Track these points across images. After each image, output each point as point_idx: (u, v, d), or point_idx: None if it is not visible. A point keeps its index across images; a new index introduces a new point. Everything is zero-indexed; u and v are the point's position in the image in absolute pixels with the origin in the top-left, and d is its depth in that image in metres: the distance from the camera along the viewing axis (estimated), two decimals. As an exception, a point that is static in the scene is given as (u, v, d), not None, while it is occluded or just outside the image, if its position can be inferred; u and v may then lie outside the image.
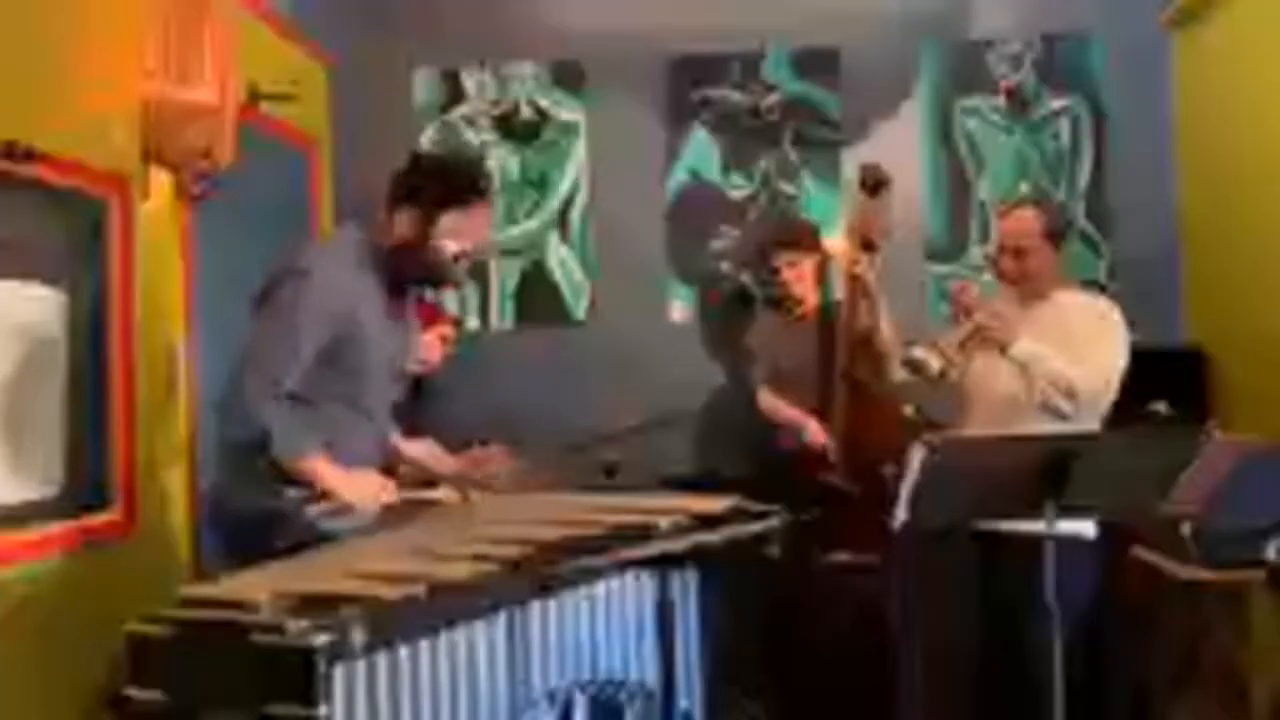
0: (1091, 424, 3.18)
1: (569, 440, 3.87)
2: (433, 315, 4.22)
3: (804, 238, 4.28)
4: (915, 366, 3.03)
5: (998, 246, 3.41)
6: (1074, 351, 3.16)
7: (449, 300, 4.87)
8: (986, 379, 3.30)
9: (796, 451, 4.05)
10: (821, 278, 4.31)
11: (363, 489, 2.72)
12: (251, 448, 2.63)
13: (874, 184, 4.04)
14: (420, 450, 3.14)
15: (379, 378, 2.86)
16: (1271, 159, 3.91)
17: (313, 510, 2.67)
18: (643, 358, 4.79)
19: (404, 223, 2.82)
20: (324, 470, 2.68)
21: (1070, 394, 3.09)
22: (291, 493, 2.68)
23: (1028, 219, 3.31)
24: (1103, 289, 4.53)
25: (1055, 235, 3.31)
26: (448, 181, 2.85)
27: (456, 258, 2.85)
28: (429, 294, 4.73)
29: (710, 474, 4.58)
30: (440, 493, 2.90)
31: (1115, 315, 3.26)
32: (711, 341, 4.84)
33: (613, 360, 4.81)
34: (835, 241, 4.47)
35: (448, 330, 4.23)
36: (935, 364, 3.01)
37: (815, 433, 4.02)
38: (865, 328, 4.05)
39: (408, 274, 2.88)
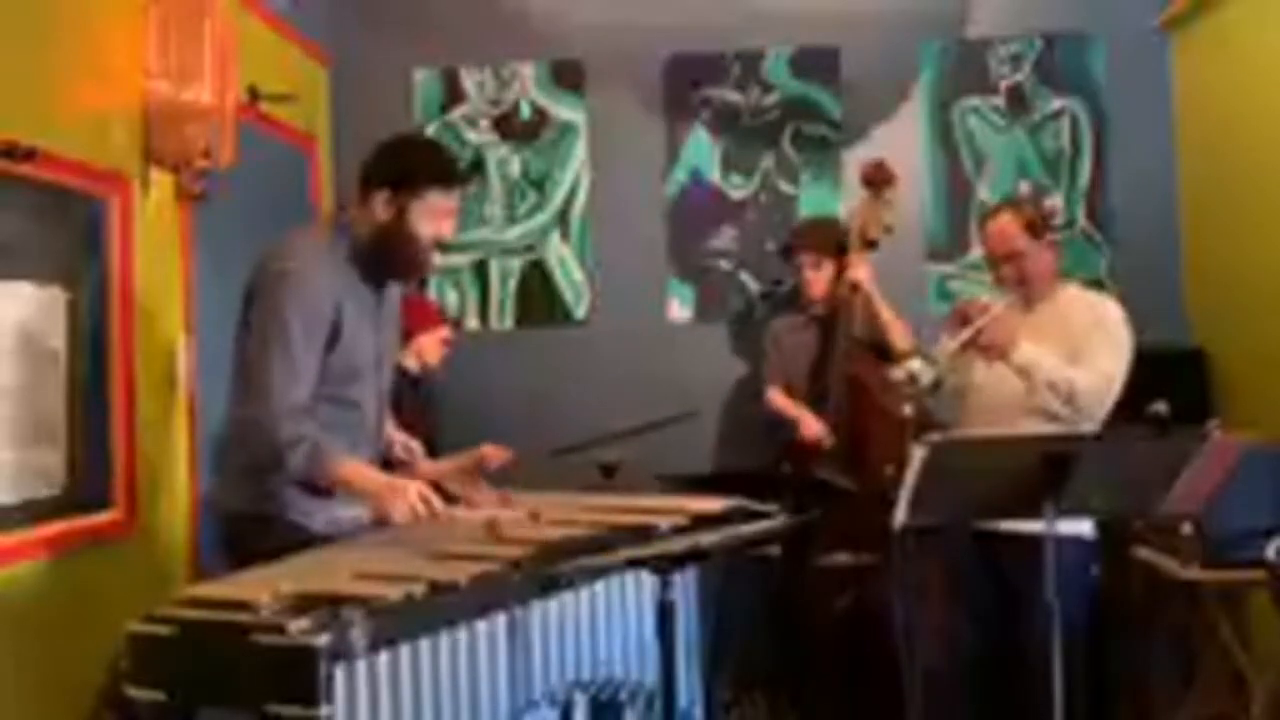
0: (1092, 425, 3.18)
1: (567, 440, 3.89)
2: (432, 318, 4.22)
3: (830, 238, 4.29)
4: (910, 378, 3.03)
5: (989, 259, 3.39)
6: (1075, 352, 3.15)
7: (448, 300, 4.88)
8: (988, 381, 3.29)
9: (795, 447, 4.07)
10: (838, 280, 4.33)
11: (401, 497, 2.53)
12: (271, 467, 2.60)
13: (878, 180, 4.06)
14: (403, 440, 3.04)
15: (365, 373, 2.80)
16: (1271, 158, 3.91)
17: (344, 517, 2.61)
18: (643, 358, 4.80)
19: (380, 204, 2.71)
20: (358, 475, 2.59)
21: (1071, 399, 3.08)
22: (307, 505, 2.65)
23: (1006, 223, 3.30)
24: (1102, 288, 4.54)
25: (1039, 229, 3.29)
26: (430, 158, 2.79)
27: (432, 245, 2.77)
28: (432, 295, 4.77)
29: (711, 473, 4.59)
30: (475, 514, 2.77)
31: (1118, 315, 3.24)
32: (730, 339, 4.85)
33: (613, 360, 4.81)
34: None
35: (446, 333, 4.23)
36: (928, 377, 3.01)
37: (810, 426, 4.02)
38: (866, 327, 4.07)
39: (386, 260, 2.76)
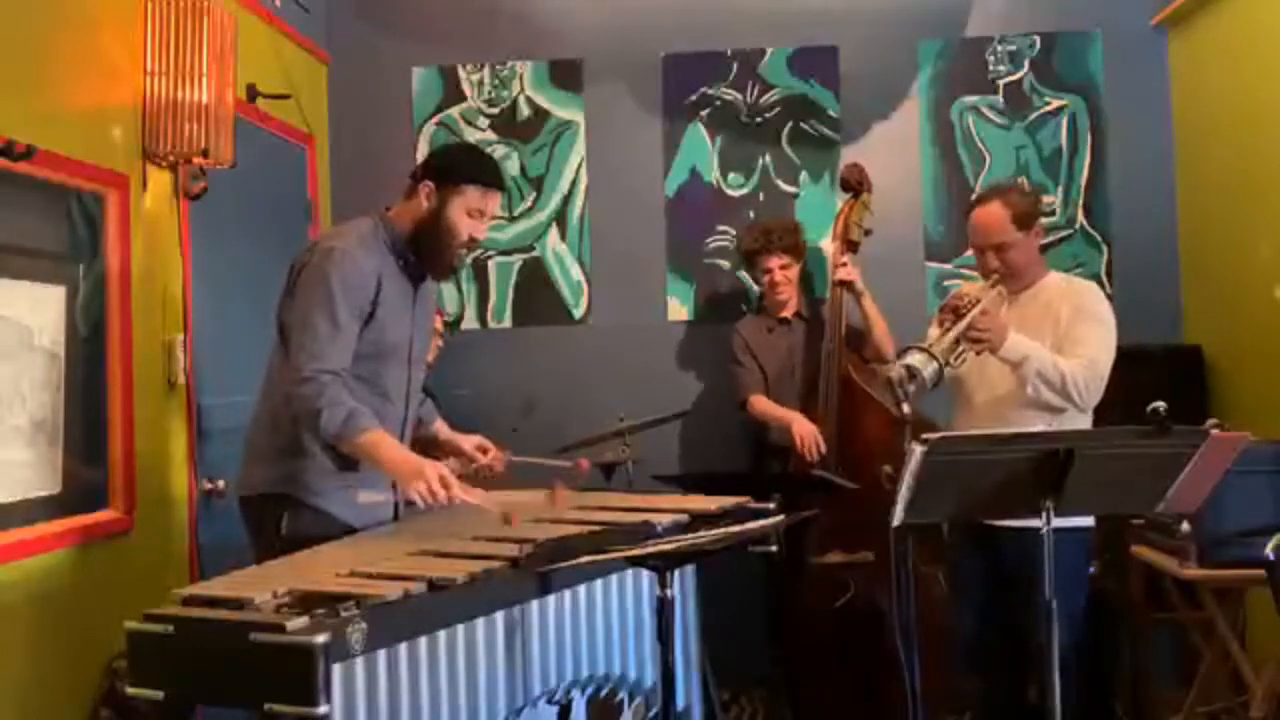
0: (1085, 416, 3.17)
1: (565, 440, 3.88)
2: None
3: (797, 240, 4.32)
4: (911, 373, 2.87)
5: (974, 247, 3.35)
6: (1062, 341, 3.14)
7: (447, 299, 4.87)
8: (982, 378, 3.28)
9: (790, 448, 4.06)
10: (802, 282, 4.37)
11: (417, 473, 2.60)
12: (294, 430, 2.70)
13: (856, 183, 4.14)
14: (471, 444, 3.10)
15: (396, 360, 2.89)
16: (1268, 157, 3.92)
17: (360, 495, 2.69)
18: (641, 356, 4.79)
19: (423, 195, 2.85)
20: (384, 446, 2.66)
21: (1063, 389, 3.06)
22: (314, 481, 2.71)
23: (995, 213, 3.24)
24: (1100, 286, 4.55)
25: (1027, 221, 3.25)
26: (474, 158, 3.00)
27: (466, 244, 2.89)
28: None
29: (708, 472, 4.59)
30: (481, 500, 2.82)
31: (1099, 298, 3.22)
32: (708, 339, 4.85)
33: (611, 359, 4.80)
34: (826, 243, 4.50)
35: (439, 326, 4.22)
36: (930, 369, 2.88)
37: (803, 436, 4.01)
38: (854, 327, 4.09)
39: (423, 249, 2.89)
